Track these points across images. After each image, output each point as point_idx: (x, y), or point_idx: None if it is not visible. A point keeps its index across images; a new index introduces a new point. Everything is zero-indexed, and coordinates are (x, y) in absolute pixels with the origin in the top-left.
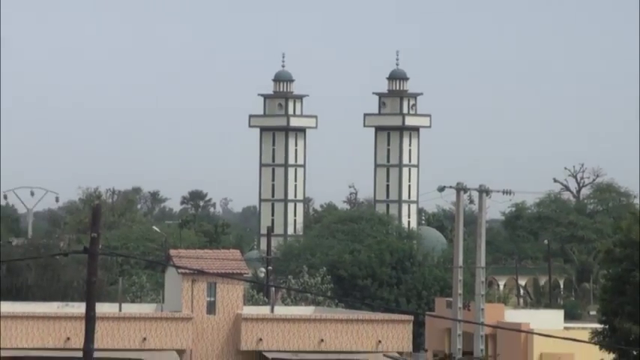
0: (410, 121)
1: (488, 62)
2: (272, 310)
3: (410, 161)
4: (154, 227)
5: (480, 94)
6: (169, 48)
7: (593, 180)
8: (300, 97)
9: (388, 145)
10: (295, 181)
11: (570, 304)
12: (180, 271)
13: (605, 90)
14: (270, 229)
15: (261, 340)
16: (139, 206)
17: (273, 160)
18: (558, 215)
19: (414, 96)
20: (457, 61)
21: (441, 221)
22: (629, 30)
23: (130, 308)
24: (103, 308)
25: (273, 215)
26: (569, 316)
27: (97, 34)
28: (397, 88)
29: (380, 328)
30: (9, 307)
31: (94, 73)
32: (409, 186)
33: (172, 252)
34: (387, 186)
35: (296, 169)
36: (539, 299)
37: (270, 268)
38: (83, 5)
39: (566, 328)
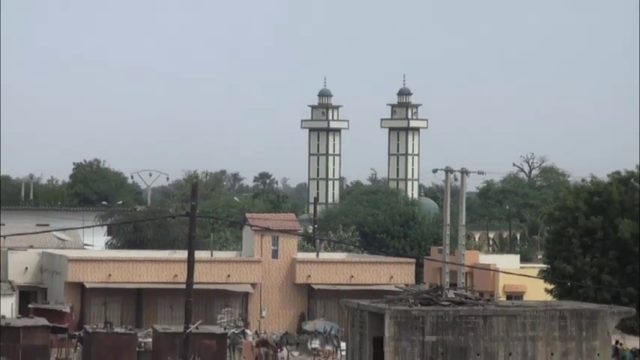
0: (413, 123)
1: (470, 77)
2: (317, 255)
3: (413, 152)
4: (235, 198)
5: (462, 106)
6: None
7: (540, 164)
8: (337, 107)
9: (397, 140)
10: (333, 165)
11: (524, 250)
12: (253, 228)
13: (553, 94)
14: (316, 199)
15: (309, 276)
16: (224, 183)
17: (318, 151)
18: (516, 189)
19: (416, 106)
20: (446, 81)
21: (434, 193)
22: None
23: (219, 254)
24: (199, 254)
25: (318, 189)
26: (524, 259)
27: (188, 36)
28: (404, 100)
29: (392, 268)
30: (135, 253)
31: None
32: (412, 169)
33: (247, 215)
34: (397, 169)
35: (334, 157)
36: (503, 247)
37: (315, 226)
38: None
39: (521, 268)
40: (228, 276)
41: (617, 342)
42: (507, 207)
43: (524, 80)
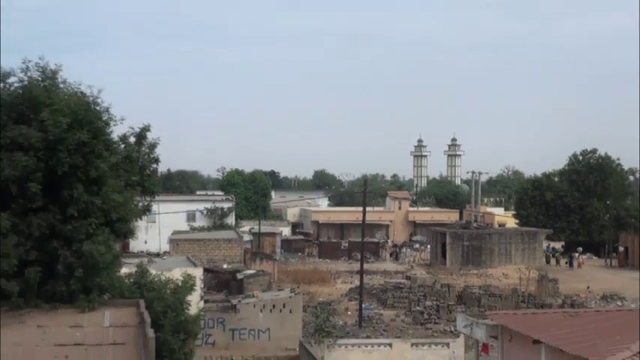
0: (457, 153)
1: (482, 128)
2: (417, 208)
3: (457, 165)
4: (382, 185)
5: (478, 145)
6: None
7: (512, 169)
8: (425, 146)
9: (451, 160)
10: (424, 171)
11: (506, 206)
12: (390, 197)
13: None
14: (417, 186)
15: (415, 217)
16: (378, 179)
17: (418, 165)
18: (502, 180)
19: (459, 145)
20: (472, 133)
21: (468, 183)
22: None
23: (376, 208)
24: (368, 209)
25: (416, 181)
26: (506, 210)
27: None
28: (453, 143)
29: (449, 214)
30: (341, 208)
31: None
32: (457, 172)
33: (389, 192)
34: (450, 173)
35: (424, 167)
36: (497, 205)
37: (416, 196)
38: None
39: (504, 212)
40: (380, 217)
41: (549, 245)
42: (498, 187)
43: (510, 116)
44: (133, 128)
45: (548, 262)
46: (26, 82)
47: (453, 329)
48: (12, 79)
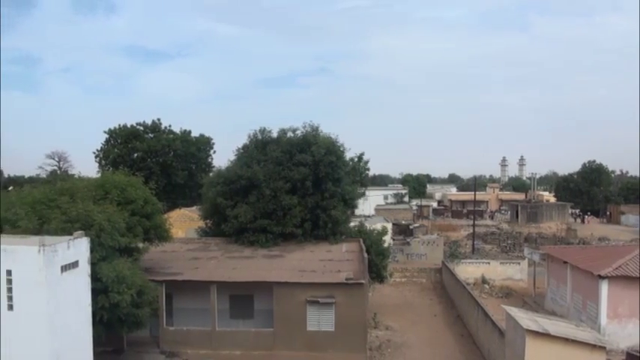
0: (523, 164)
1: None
2: (502, 192)
3: (523, 170)
4: (484, 180)
5: (535, 158)
6: None
7: (552, 171)
8: (507, 160)
9: (520, 167)
10: (506, 174)
11: (549, 190)
12: (489, 187)
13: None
14: (501, 181)
15: (501, 197)
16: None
17: (504, 170)
18: (547, 177)
19: (525, 159)
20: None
21: (529, 179)
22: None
23: (480, 193)
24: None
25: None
26: (550, 193)
27: None
28: (521, 158)
29: (520, 195)
30: (464, 193)
31: None
32: (524, 174)
33: (488, 184)
34: (520, 174)
35: (506, 172)
36: (545, 190)
37: (501, 186)
38: None
39: (549, 195)
40: (483, 197)
41: (572, 211)
42: (545, 181)
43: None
44: (356, 153)
45: (575, 220)
46: (305, 133)
47: (521, 255)
48: (297, 132)
